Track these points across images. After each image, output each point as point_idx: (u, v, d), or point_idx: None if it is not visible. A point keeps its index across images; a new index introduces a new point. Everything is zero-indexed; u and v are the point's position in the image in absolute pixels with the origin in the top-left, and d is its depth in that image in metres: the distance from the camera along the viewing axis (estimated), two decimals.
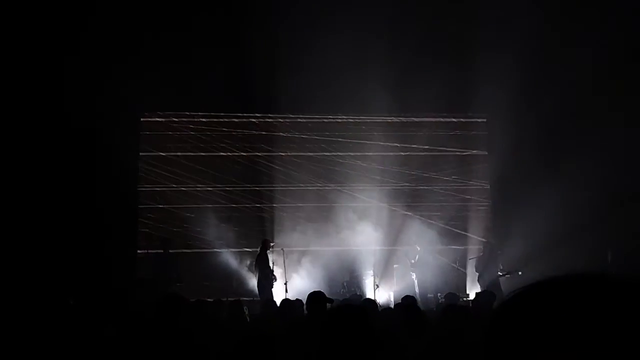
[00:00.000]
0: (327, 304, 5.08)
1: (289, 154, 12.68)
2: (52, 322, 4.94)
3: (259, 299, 10.13)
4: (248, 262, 11.01)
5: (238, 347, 2.69)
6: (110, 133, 10.90)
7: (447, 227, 12.39)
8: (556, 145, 11.69)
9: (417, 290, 10.62)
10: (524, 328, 0.69)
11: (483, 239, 11.93)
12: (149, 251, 11.32)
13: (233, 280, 11.40)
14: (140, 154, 12.27)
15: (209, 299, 7.16)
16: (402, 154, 12.80)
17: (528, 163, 11.82)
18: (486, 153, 13.04)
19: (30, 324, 4.85)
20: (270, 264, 10.80)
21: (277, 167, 12.60)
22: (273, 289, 10.53)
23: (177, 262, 10.66)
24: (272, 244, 11.19)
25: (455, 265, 11.68)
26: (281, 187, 12.52)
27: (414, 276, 11.08)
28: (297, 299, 6.91)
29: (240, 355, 2.64)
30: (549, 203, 10.89)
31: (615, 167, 10.93)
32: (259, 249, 10.99)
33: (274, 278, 10.66)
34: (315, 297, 4.97)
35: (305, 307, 5.17)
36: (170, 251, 10.71)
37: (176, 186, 12.24)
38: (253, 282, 11.12)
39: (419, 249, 11.28)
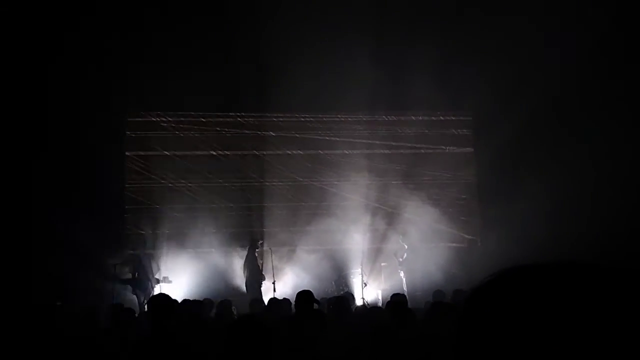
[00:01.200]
0: (315, 305, 5.12)
1: (276, 152, 12.66)
2: (40, 323, 4.93)
3: (247, 298, 10.13)
4: (242, 263, 10.97)
5: (230, 334, 2.67)
6: (95, 133, 10.85)
7: (434, 224, 12.45)
8: (542, 142, 11.77)
9: (405, 288, 10.67)
10: (494, 316, 0.70)
11: (469, 237, 12.00)
12: (135, 251, 11.28)
13: (221, 280, 11.38)
14: (126, 153, 12.21)
15: (197, 299, 7.15)
16: (389, 152, 12.85)
17: (514, 160, 11.92)
18: (472, 151, 13.13)
19: (18, 324, 4.83)
20: (259, 263, 10.80)
21: (264, 166, 12.58)
22: (262, 288, 10.52)
23: (159, 262, 10.64)
24: (260, 243, 11.17)
25: (443, 263, 11.72)
26: (268, 185, 12.50)
27: (402, 274, 11.14)
28: (284, 298, 6.94)
29: (233, 343, 2.62)
30: (536, 199, 10.98)
31: (602, 162, 11.01)
32: (247, 249, 10.98)
33: (262, 277, 10.66)
34: (304, 296, 5.00)
35: (293, 305, 5.19)
36: (153, 251, 10.67)
37: (163, 184, 12.20)
38: (241, 281, 11.17)
39: (406, 247, 11.33)
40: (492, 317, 0.70)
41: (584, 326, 0.65)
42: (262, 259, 10.93)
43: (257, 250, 10.91)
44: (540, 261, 0.73)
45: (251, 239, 11.21)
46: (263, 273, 10.73)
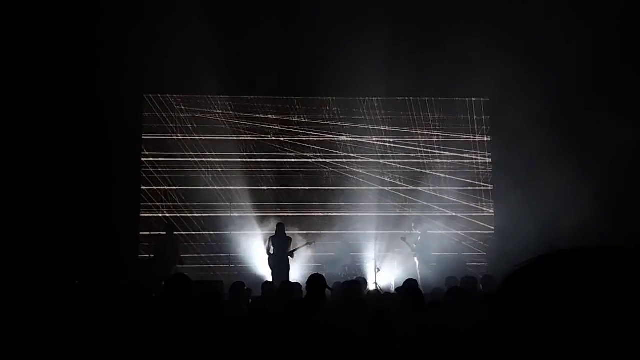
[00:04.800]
0: (327, 290, 5.16)
1: (290, 138, 12.66)
2: (58, 302, 5.01)
3: (260, 280, 10.19)
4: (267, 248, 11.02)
5: (245, 325, 2.73)
6: (113, 113, 10.94)
7: (448, 211, 12.44)
8: (560, 128, 11.58)
9: (418, 274, 10.66)
10: (532, 302, 0.69)
11: (484, 224, 11.96)
12: (152, 233, 11.40)
13: (234, 263, 11.48)
14: (143, 136, 12.30)
15: (211, 280, 7.22)
16: (403, 138, 12.78)
17: (531, 146, 11.76)
18: (489, 135, 12.99)
19: (36, 303, 4.92)
20: (286, 248, 10.87)
21: (277, 150, 12.58)
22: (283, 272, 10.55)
23: (178, 244, 10.73)
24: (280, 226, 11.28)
25: (457, 249, 11.73)
26: (282, 169, 12.53)
27: (416, 260, 11.14)
28: (296, 282, 6.98)
29: (249, 334, 2.68)
30: (552, 187, 10.88)
31: (622, 149, 10.82)
32: (275, 232, 11.06)
33: (288, 262, 10.76)
34: (315, 280, 5.05)
35: (306, 288, 5.23)
36: (172, 234, 10.76)
37: (181, 166, 12.29)
38: (254, 264, 11.30)
39: (419, 232, 11.33)
40: (531, 304, 0.69)
41: (625, 314, 0.64)
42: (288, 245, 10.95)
43: (284, 234, 11.01)
44: (577, 247, 0.72)
45: (277, 223, 11.29)
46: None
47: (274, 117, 12.68)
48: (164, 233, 10.77)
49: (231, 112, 12.58)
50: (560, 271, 0.70)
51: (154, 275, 10.13)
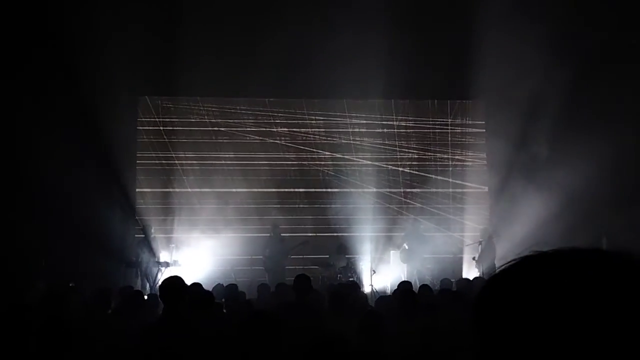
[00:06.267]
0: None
1: (287, 137, 12.66)
2: (54, 304, 5.03)
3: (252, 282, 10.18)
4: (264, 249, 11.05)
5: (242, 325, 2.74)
6: (108, 115, 10.93)
7: (444, 213, 12.46)
8: (556, 130, 11.60)
9: (404, 276, 10.62)
10: (512, 305, 0.69)
11: (480, 226, 11.96)
12: (140, 236, 11.40)
13: (230, 263, 11.46)
14: (138, 139, 12.29)
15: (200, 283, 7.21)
16: (399, 140, 12.79)
17: (527, 148, 11.79)
18: (484, 139, 13.01)
19: (32, 305, 4.93)
20: (283, 249, 10.87)
21: (271, 151, 12.57)
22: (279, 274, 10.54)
23: (168, 245, 10.67)
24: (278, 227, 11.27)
25: (453, 251, 11.75)
26: (277, 169, 12.52)
27: (405, 263, 11.16)
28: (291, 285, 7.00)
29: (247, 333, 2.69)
30: (547, 189, 10.90)
31: (616, 153, 10.84)
32: (271, 233, 11.04)
33: (285, 263, 10.77)
34: (298, 280, 5.13)
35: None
36: (152, 236, 10.65)
37: (173, 167, 12.27)
38: (250, 266, 11.31)
39: (403, 234, 11.38)
40: (513, 303, 0.69)
41: (608, 314, 0.64)
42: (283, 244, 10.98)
43: (280, 235, 10.98)
44: (562, 248, 0.72)
45: (272, 224, 11.28)
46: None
47: (271, 119, 12.67)
48: (143, 235, 10.69)
49: (234, 112, 12.59)
50: (541, 272, 0.70)
51: (141, 278, 10.10)
